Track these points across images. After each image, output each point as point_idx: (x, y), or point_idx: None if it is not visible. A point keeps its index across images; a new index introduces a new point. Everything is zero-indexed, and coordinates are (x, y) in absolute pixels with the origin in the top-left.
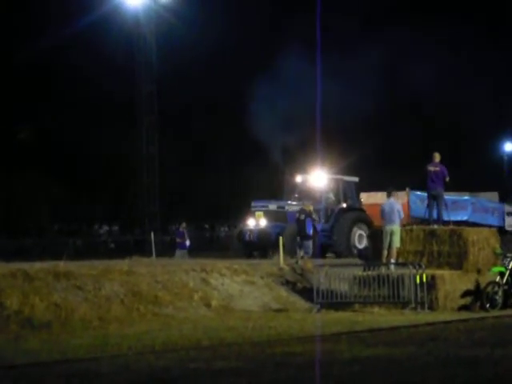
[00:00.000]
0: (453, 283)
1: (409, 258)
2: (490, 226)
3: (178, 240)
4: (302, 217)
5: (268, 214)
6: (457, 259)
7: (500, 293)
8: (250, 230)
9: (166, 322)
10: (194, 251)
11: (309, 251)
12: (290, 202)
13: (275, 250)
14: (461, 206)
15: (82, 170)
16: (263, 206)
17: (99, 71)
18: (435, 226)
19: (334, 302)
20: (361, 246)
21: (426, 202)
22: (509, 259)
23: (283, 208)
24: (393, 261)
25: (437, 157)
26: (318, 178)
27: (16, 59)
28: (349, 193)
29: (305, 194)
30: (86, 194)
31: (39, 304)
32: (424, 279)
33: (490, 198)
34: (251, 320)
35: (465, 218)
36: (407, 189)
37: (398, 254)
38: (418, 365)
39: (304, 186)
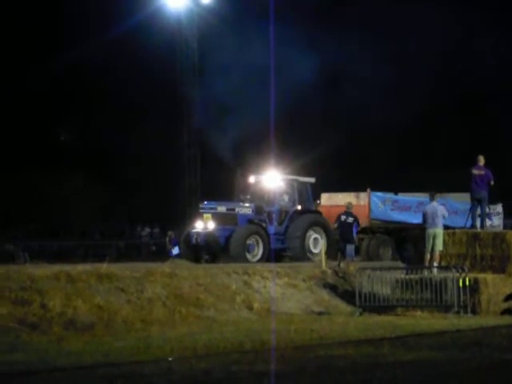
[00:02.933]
0: (496, 287)
1: (451, 261)
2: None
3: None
4: (350, 220)
5: (217, 216)
6: (500, 263)
7: None
8: (197, 233)
9: (207, 324)
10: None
11: (352, 255)
12: (241, 203)
13: (225, 254)
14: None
15: (124, 171)
16: (212, 208)
17: (141, 74)
18: (478, 230)
19: (376, 305)
20: (316, 250)
21: (387, 203)
22: None
23: (233, 210)
24: (435, 264)
25: (481, 160)
26: (271, 179)
27: (58, 61)
28: (304, 194)
29: (258, 196)
30: (128, 195)
31: (82, 306)
32: (467, 283)
33: (460, 199)
34: (293, 323)
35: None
36: (368, 189)
37: (441, 257)
38: (461, 369)
39: (257, 187)
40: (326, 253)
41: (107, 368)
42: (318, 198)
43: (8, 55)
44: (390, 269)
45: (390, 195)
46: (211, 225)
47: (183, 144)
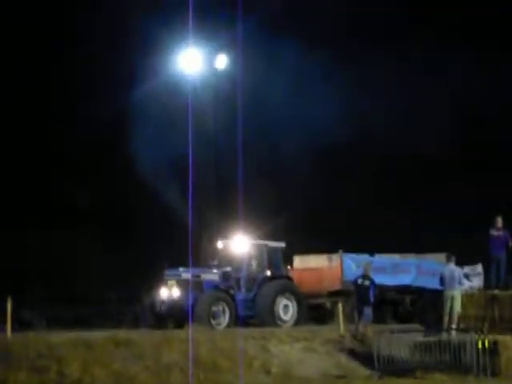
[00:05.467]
0: None
1: (470, 323)
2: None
3: None
4: (367, 283)
5: (182, 283)
6: None
7: None
8: (162, 301)
9: None
10: None
11: (369, 318)
12: (207, 269)
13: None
14: (404, 269)
15: (135, 234)
16: (176, 275)
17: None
18: (496, 291)
19: (394, 368)
20: (287, 318)
21: (360, 265)
22: None
23: (199, 276)
24: (454, 326)
25: (499, 221)
26: (239, 244)
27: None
28: (274, 259)
29: (225, 261)
30: (140, 260)
31: (100, 372)
32: (486, 345)
33: (437, 260)
34: None
35: (407, 282)
36: (340, 251)
37: (459, 319)
38: None
39: (224, 252)
40: (347, 318)
41: None
42: (291, 260)
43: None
44: (408, 331)
45: (364, 256)
46: (176, 292)
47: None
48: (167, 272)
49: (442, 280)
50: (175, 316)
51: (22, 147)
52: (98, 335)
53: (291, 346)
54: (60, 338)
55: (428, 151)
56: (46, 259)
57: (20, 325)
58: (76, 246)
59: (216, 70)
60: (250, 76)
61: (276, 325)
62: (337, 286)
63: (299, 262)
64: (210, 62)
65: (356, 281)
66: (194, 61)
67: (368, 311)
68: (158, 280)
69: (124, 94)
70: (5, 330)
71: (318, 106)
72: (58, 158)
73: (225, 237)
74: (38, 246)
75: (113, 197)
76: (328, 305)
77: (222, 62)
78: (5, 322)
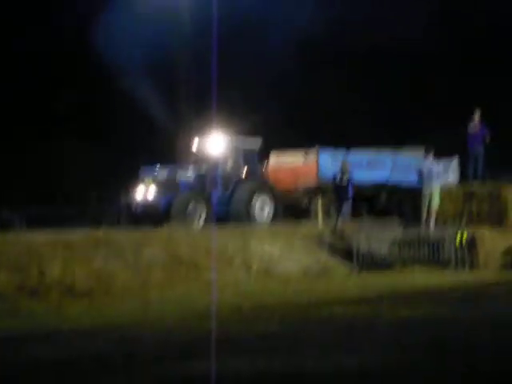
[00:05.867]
0: (493, 241)
1: (448, 217)
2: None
3: None
4: (345, 179)
5: (158, 181)
6: (497, 218)
7: None
8: (137, 201)
9: (206, 286)
10: None
11: (348, 214)
12: (183, 169)
13: (167, 220)
14: (379, 165)
15: (117, 132)
16: (152, 174)
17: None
18: (474, 186)
19: (373, 263)
20: (263, 216)
21: (337, 161)
22: None
23: (175, 175)
24: (432, 221)
25: (477, 115)
26: (215, 142)
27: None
28: (250, 157)
29: (201, 159)
30: (125, 158)
31: (80, 272)
32: (464, 239)
33: (414, 154)
34: (292, 283)
35: (383, 177)
36: (316, 146)
37: (438, 213)
38: (460, 324)
39: (200, 151)
40: (325, 214)
41: (107, 332)
42: (268, 157)
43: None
44: (387, 227)
45: (340, 152)
46: (151, 192)
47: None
48: (143, 170)
49: (420, 175)
50: (151, 216)
51: None
52: (78, 235)
53: (271, 243)
54: (40, 237)
55: (409, 43)
56: (29, 163)
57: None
58: (60, 148)
59: None
60: None
61: (252, 223)
62: (313, 183)
63: (275, 158)
64: None
65: (334, 177)
66: None
67: (347, 207)
68: (137, 180)
69: None
70: None
71: None
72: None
73: (200, 135)
74: (24, 151)
75: (92, 100)
76: (304, 202)
77: None
78: None
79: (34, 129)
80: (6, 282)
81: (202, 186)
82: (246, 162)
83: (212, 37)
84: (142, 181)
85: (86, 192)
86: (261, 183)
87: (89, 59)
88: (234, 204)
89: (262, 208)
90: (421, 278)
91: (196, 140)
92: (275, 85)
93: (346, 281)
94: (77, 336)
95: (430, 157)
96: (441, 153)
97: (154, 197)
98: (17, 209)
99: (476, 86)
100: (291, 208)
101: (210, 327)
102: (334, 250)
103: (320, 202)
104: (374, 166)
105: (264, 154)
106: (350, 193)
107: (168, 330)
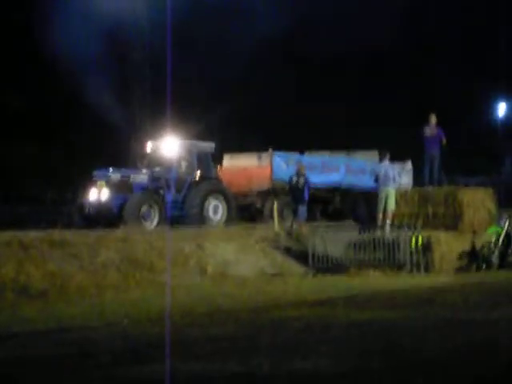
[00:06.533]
0: (449, 245)
1: (404, 220)
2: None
3: None
4: (301, 182)
5: (111, 184)
6: (452, 221)
7: (496, 253)
8: (90, 203)
9: (161, 288)
10: None
11: (304, 217)
12: (137, 171)
13: (120, 222)
14: (333, 167)
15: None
16: (105, 176)
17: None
18: (429, 188)
19: (329, 266)
20: (217, 218)
21: (290, 164)
22: (504, 219)
23: (128, 178)
24: (388, 223)
25: (433, 119)
26: (169, 145)
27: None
28: (203, 160)
29: (155, 163)
30: (81, 158)
31: (35, 272)
32: (419, 241)
33: (368, 158)
34: (247, 286)
35: (337, 180)
36: (270, 150)
37: (393, 216)
38: (415, 327)
39: (154, 154)
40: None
41: (61, 334)
42: (221, 159)
43: None
44: (343, 229)
45: (294, 155)
46: (105, 194)
47: None
48: (96, 173)
49: (376, 178)
50: (104, 218)
51: None
52: (33, 235)
53: (226, 244)
54: None
55: (368, 48)
56: None
57: None
58: (14, 148)
59: None
60: None
61: (206, 225)
62: (267, 185)
63: (229, 161)
64: None
65: (291, 179)
66: None
67: (303, 210)
68: (89, 182)
69: None
70: None
71: None
72: None
73: (154, 138)
74: None
75: (43, 99)
76: (258, 204)
77: None
78: None
79: None
80: None
81: (156, 188)
82: (200, 165)
83: (167, 32)
84: (96, 183)
85: (40, 193)
86: (214, 185)
87: (41, 58)
88: (188, 206)
89: (216, 210)
90: (376, 280)
91: (150, 142)
92: (230, 85)
93: (302, 283)
94: (30, 337)
95: (386, 160)
96: (395, 156)
97: (108, 198)
98: None
99: (430, 89)
100: (245, 210)
101: (164, 330)
102: (289, 252)
103: (275, 204)
104: (328, 169)
105: (218, 156)
106: (306, 195)
107: (122, 333)
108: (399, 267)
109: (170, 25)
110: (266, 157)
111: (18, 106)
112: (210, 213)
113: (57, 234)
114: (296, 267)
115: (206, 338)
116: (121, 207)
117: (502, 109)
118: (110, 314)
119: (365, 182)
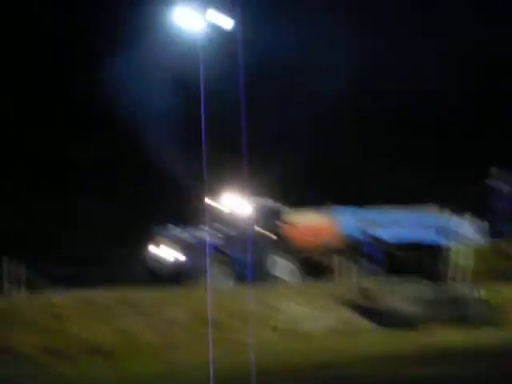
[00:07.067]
0: None
1: (475, 276)
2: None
3: None
4: (370, 238)
5: (180, 243)
6: None
7: None
8: (157, 261)
9: (231, 347)
10: None
11: (373, 272)
12: (205, 230)
13: (189, 281)
14: (399, 223)
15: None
16: (175, 235)
17: None
18: (502, 244)
19: (398, 321)
20: (284, 275)
21: (358, 219)
22: None
23: (197, 237)
24: (459, 279)
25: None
26: (235, 203)
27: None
28: (271, 218)
29: (222, 221)
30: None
31: (103, 331)
32: (496, 298)
33: (431, 213)
34: (316, 342)
35: (405, 236)
36: (334, 205)
37: (465, 272)
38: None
39: (220, 212)
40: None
41: None
42: (288, 217)
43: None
44: (411, 284)
45: (361, 211)
46: (173, 253)
47: None
48: (160, 231)
49: (442, 233)
50: (175, 276)
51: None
52: (100, 293)
53: (295, 301)
54: (63, 297)
55: (422, 104)
56: (40, 215)
57: (20, 284)
58: (69, 204)
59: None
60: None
61: (274, 283)
62: (334, 241)
63: (295, 217)
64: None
65: (359, 235)
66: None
67: (372, 266)
68: (151, 239)
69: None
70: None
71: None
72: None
73: (222, 197)
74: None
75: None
76: (325, 260)
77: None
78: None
79: (48, 180)
80: (30, 343)
81: (228, 247)
82: (268, 223)
83: (239, 88)
84: (161, 240)
85: (104, 250)
86: (282, 244)
87: (106, 112)
88: (255, 265)
89: (283, 268)
90: (446, 337)
91: (221, 200)
92: (294, 143)
93: (370, 339)
94: None
95: (451, 215)
96: (453, 209)
97: (179, 257)
98: (39, 267)
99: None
100: (312, 266)
101: None
102: (359, 308)
103: (343, 260)
104: (395, 224)
105: (283, 212)
106: (376, 251)
107: None
108: (470, 323)
109: (242, 83)
110: (332, 212)
111: (83, 158)
112: (278, 271)
113: (124, 291)
114: (365, 323)
115: None
116: (190, 267)
117: None
118: (181, 375)
119: (431, 237)
